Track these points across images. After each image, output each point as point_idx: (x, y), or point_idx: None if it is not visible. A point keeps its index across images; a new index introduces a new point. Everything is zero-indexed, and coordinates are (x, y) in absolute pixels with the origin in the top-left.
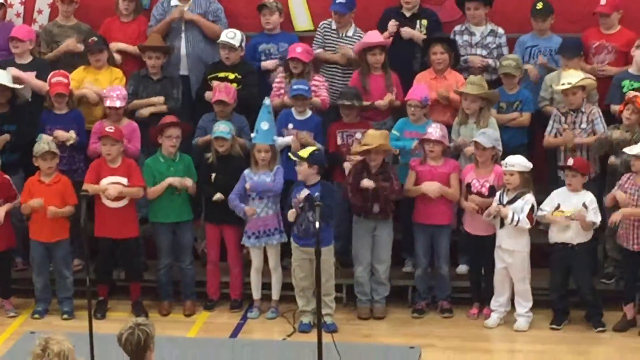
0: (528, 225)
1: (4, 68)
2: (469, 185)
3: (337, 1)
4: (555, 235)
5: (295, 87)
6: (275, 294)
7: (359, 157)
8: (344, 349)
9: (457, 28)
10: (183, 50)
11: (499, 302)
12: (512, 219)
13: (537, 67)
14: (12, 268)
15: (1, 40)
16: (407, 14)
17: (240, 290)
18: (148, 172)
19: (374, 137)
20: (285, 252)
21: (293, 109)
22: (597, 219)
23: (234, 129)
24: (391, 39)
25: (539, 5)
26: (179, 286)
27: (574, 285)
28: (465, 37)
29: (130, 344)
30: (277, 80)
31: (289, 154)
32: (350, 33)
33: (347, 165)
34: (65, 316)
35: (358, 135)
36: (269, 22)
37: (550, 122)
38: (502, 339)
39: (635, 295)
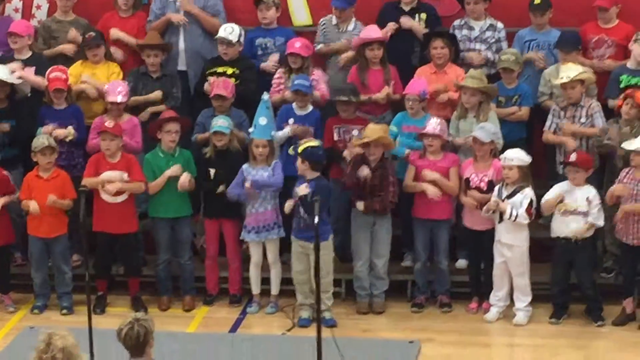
0: (527, 220)
1: (3, 63)
2: (467, 180)
3: None
4: (559, 230)
5: (296, 82)
6: (274, 288)
7: (359, 149)
8: (343, 343)
9: (457, 22)
10: (181, 45)
11: (498, 297)
12: (511, 214)
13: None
14: (11, 263)
15: (0, 35)
16: (406, 8)
17: (239, 285)
18: (148, 167)
19: (373, 130)
20: (285, 247)
21: (294, 104)
22: (600, 221)
23: (232, 123)
24: (389, 33)
25: (537, 0)
26: (178, 281)
27: (574, 279)
28: (465, 31)
29: (129, 339)
30: (276, 76)
31: (289, 150)
32: (350, 28)
33: (347, 154)
34: (64, 311)
35: (355, 132)
36: (266, 17)
37: (550, 116)
38: (501, 333)
39: (634, 289)
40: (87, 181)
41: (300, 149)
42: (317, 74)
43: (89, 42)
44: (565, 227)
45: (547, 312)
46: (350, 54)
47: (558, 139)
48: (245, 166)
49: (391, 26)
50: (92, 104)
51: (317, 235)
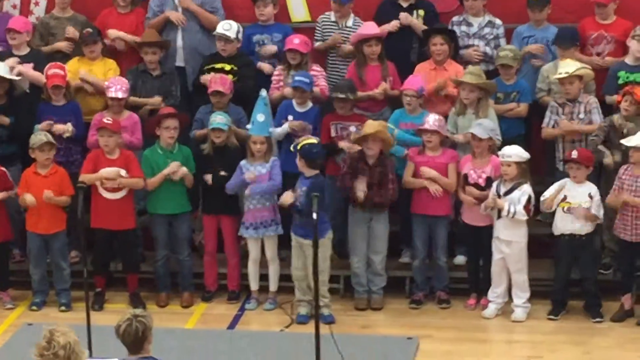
0: (525, 217)
1: (2, 60)
2: (466, 176)
3: None
4: (562, 227)
5: (297, 78)
6: (272, 285)
7: (356, 147)
8: (341, 340)
9: (455, 19)
10: (179, 42)
11: (496, 293)
12: (509, 211)
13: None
14: (9, 260)
15: None
16: (404, 4)
17: (237, 281)
18: (146, 163)
19: (371, 125)
20: (283, 244)
21: (293, 100)
22: (601, 213)
23: (230, 120)
24: (388, 30)
25: None
26: (177, 277)
27: (576, 275)
28: (463, 28)
29: (128, 335)
30: (275, 73)
31: (291, 147)
32: (350, 23)
33: (343, 145)
34: (62, 308)
35: (352, 129)
36: (263, 14)
37: (548, 113)
38: (500, 330)
39: (633, 285)
40: (85, 177)
41: (298, 147)
42: (316, 69)
43: (86, 38)
44: (569, 223)
45: (545, 309)
46: (349, 47)
47: (557, 130)
48: (243, 162)
49: (395, 24)
50: (90, 100)
51: (316, 232)
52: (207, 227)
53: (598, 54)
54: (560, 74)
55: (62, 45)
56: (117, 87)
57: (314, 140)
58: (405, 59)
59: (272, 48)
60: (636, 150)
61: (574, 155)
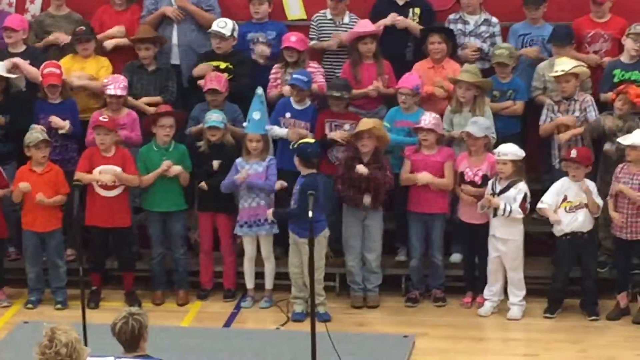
0: (521, 215)
1: (0, 59)
2: (462, 174)
3: None
4: (565, 226)
5: (295, 76)
6: (268, 283)
7: (345, 134)
8: (337, 338)
9: (452, 17)
10: (174, 40)
11: (492, 291)
12: (505, 210)
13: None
14: (5, 258)
15: None
16: (400, 2)
17: (233, 279)
18: (141, 161)
19: (366, 122)
20: (278, 242)
21: (291, 98)
22: (600, 201)
23: (226, 118)
24: (382, 27)
25: None
26: (173, 276)
27: (574, 274)
28: (459, 25)
29: (124, 333)
30: (273, 71)
31: (290, 145)
32: (346, 20)
33: (333, 135)
34: (58, 306)
35: (347, 127)
36: (258, 12)
37: (544, 111)
38: (496, 328)
39: (629, 283)
40: (80, 176)
41: (296, 145)
42: (313, 66)
43: (79, 35)
44: (573, 221)
45: (541, 307)
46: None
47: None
48: (239, 160)
49: (393, 16)
50: (87, 98)
51: (312, 229)
52: (202, 225)
53: (595, 52)
54: (556, 71)
55: (57, 35)
56: (116, 85)
57: (311, 140)
58: (401, 57)
59: (265, 50)
60: (632, 148)
61: (573, 155)
